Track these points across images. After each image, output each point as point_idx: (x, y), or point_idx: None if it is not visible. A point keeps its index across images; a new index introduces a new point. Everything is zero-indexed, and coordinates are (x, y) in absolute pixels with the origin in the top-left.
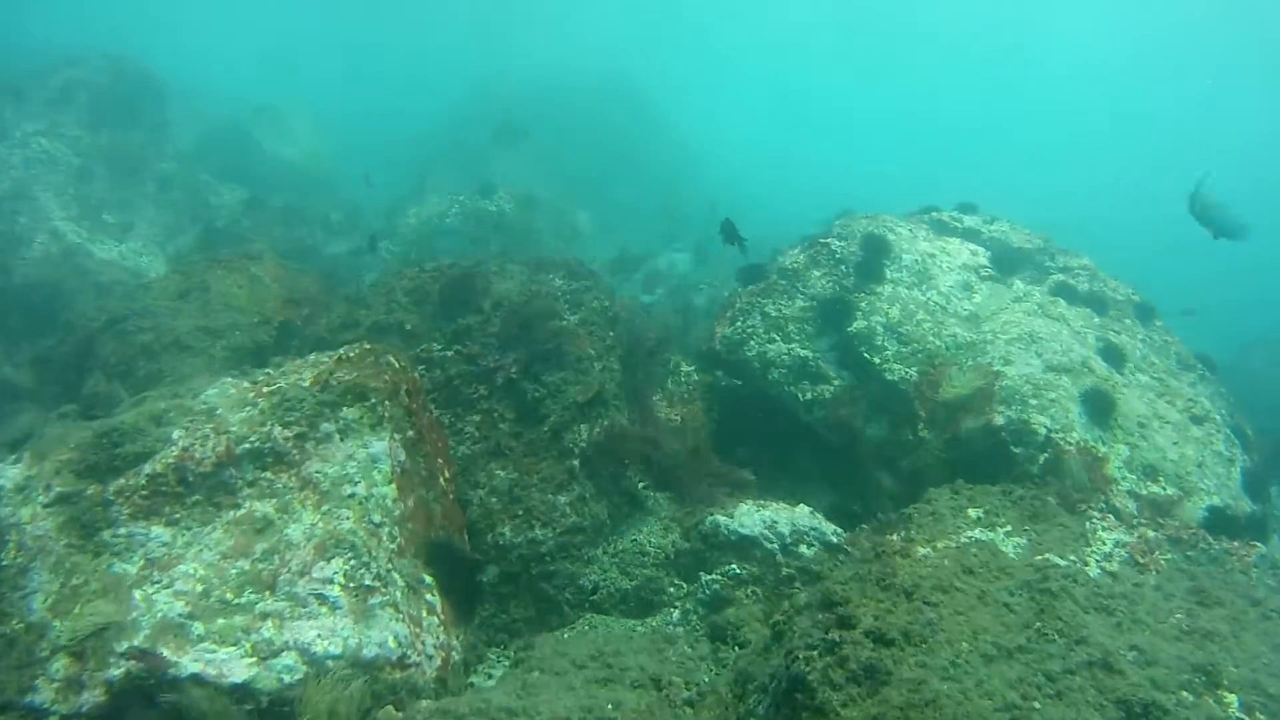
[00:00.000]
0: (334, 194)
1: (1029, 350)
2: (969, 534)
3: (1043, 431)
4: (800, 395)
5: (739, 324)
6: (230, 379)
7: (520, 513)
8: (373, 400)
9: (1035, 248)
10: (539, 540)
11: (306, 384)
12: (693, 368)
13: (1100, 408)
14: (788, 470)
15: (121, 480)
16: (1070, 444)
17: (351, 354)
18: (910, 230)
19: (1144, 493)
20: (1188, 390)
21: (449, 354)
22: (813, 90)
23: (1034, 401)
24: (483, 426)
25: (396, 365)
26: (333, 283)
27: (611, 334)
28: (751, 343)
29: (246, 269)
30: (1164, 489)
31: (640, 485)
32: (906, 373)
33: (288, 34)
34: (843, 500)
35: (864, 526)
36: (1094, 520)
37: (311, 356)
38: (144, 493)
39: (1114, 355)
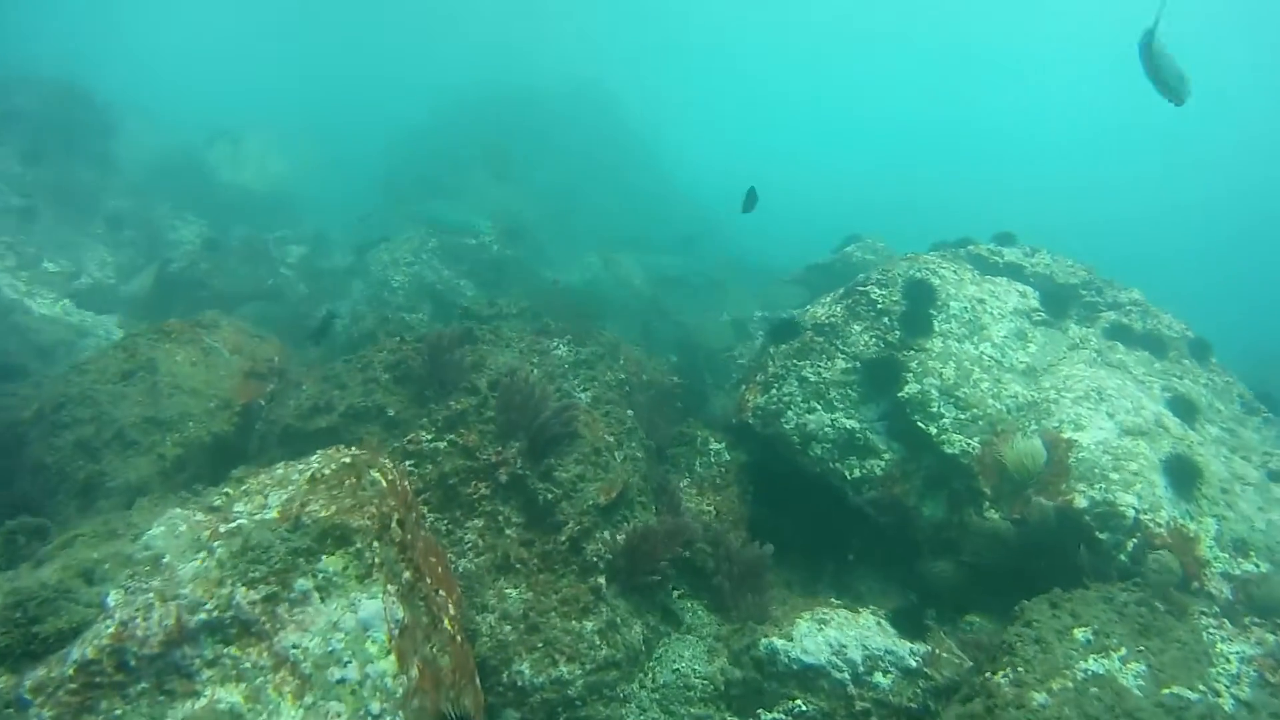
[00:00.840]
0: (299, 220)
1: (1099, 410)
2: (1083, 665)
3: (1130, 513)
4: (847, 473)
5: (773, 391)
6: (180, 511)
7: (540, 644)
8: (358, 544)
9: (1081, 281)
10: (565, 680)
11: (274, 516)
12: (722, 444)
13: (1185, 477)
14: (833, 557)
15: (42, 670)
16: (1160, 525)
17: (327, 471)
18: (955, 272)
19: (1237, 572)
20: (1257, 439)
21: (442, 445)
22: (793, 99)
23: (1115, 476)
24: (487, 534)
25: (384, 482)
26: (300, 335)
27: (630, 413)
28: (789, 413)
29: (200, 340)
30: (1256, 564)
31: (675, 594)
32: (968, 444)
33: (245, 51)
34: (896, 587)
35: (942, 635)
36: (1208, 629)
37: (279, 470)
38: (72, 686)
39: (1184, 407)
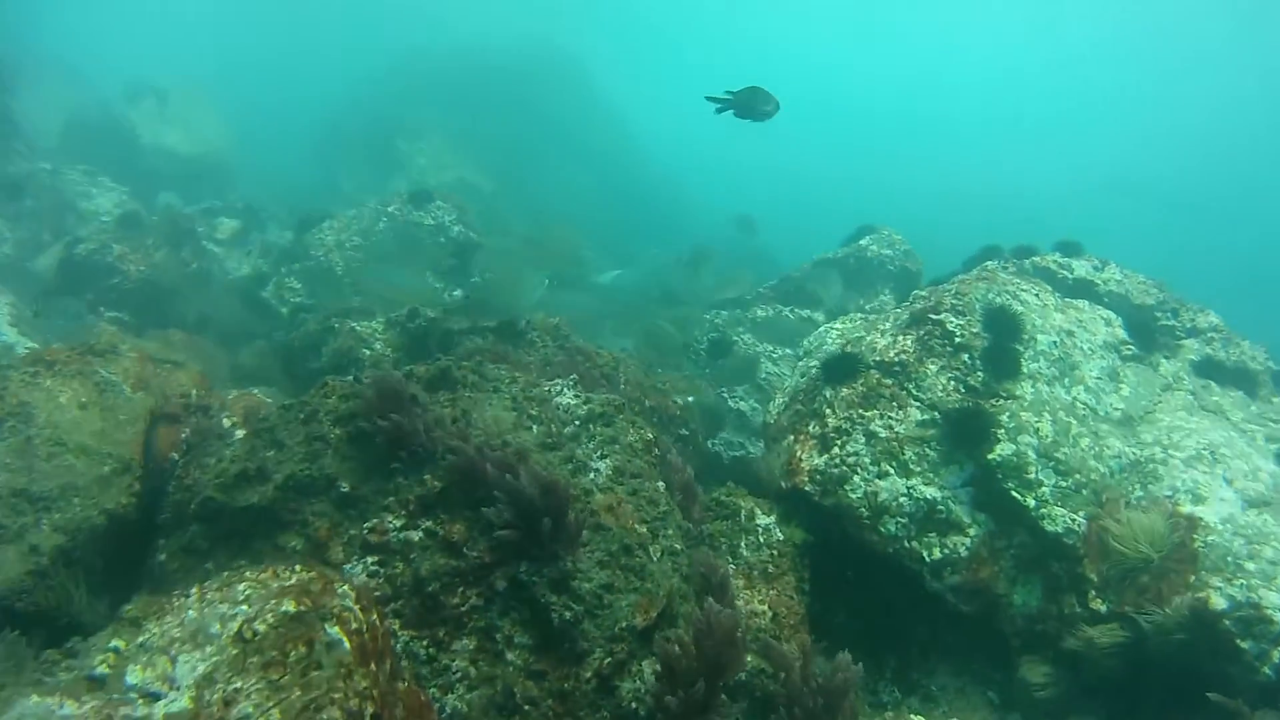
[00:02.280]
0: (232, 188)
1: (1214, 474)
2: None
3: (1278, 617)
4: (926, 554)
5: (835, 450)
6: (37, 702)
7: None
8: None
9: (1155, 302)
10: None
11: (184, 708)
12: (771, 518)
13: None
14: (895, 648)
15: None
16: None
17: (262, 626)
18: (1038, 296)
19: None
20: None
21: (416, 537)
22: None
23: (1252, 566)
24: (481, 660)
25: (348, 644)
26: (230, 331)
27: (662, 485)
28: (855, 479)
29: (93, 373)
30: None
31: None
32: (1072, 519)
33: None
34: (975, 685)
35: None
36: None
37: (192, 610)
38: None
39: None
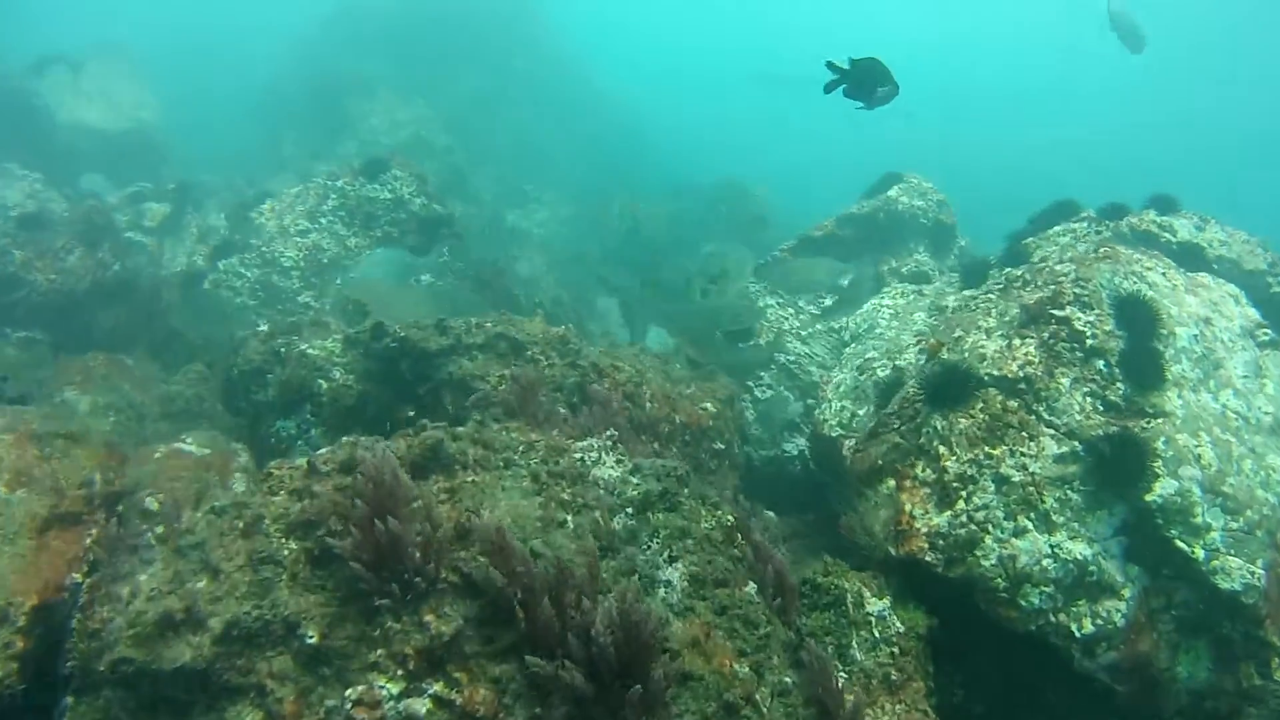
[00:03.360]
0: (164, 167)
1: None
2: None
3: None
4: (1076, 627)
5: (961, 505)
6: None
7: None
8: None
9: (1266, 266)
10: None
11: None
12: (885, 602)
13: None
14: None
15: None
16: None
17: None
18: (1164, 275)
19: None
20: None
21: (422, 709)
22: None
23: None
24: None
25: None
26: (158, 347)
27: (754, 589)
28: (987, 541)
29: None
30: None
31: None
32: (1250, 571)
33: None
34: None
35: None
36: None
37: None
38: None
39: None
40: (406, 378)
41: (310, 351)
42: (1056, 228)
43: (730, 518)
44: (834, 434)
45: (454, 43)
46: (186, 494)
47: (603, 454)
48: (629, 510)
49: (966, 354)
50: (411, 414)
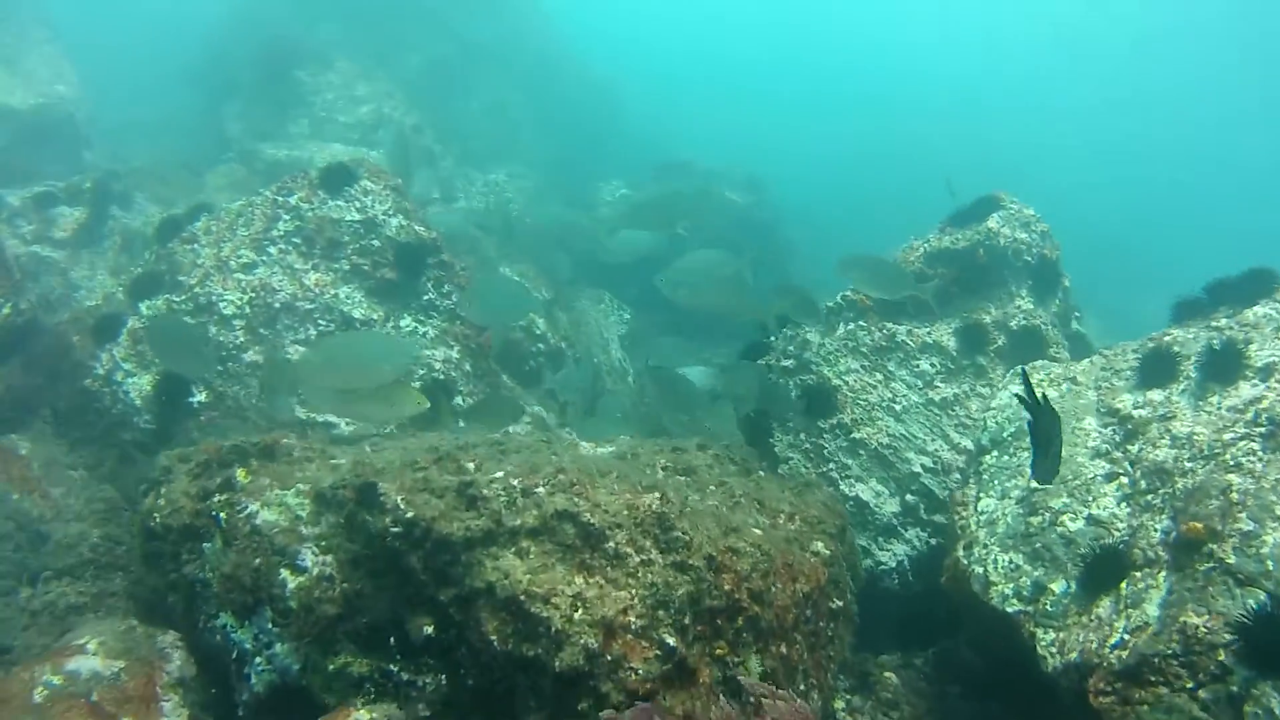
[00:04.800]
0: (85, 147)
1: None
2: None
3: None
4: None
5: None
6: None
7: None
8: None
9: None
10: None
11: None
12: None
13: None
14: None
15: None
16: None
17: None
18: None
19: None
20: None
21: None
22: None
23: None
24: None
25: None
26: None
27: None
28: None
29: None
30: None
31: None
32: None
33: None
34: None
35: None
36: None
37: None
38: None
39: None
40: (417, 572)
41: (265, 518)
42: (1257, 309)
43: None
44: (1008, 607)
45: (413, 8)
46: None
47: None
48: None
49: (1273, 565)
50: (429, 630)
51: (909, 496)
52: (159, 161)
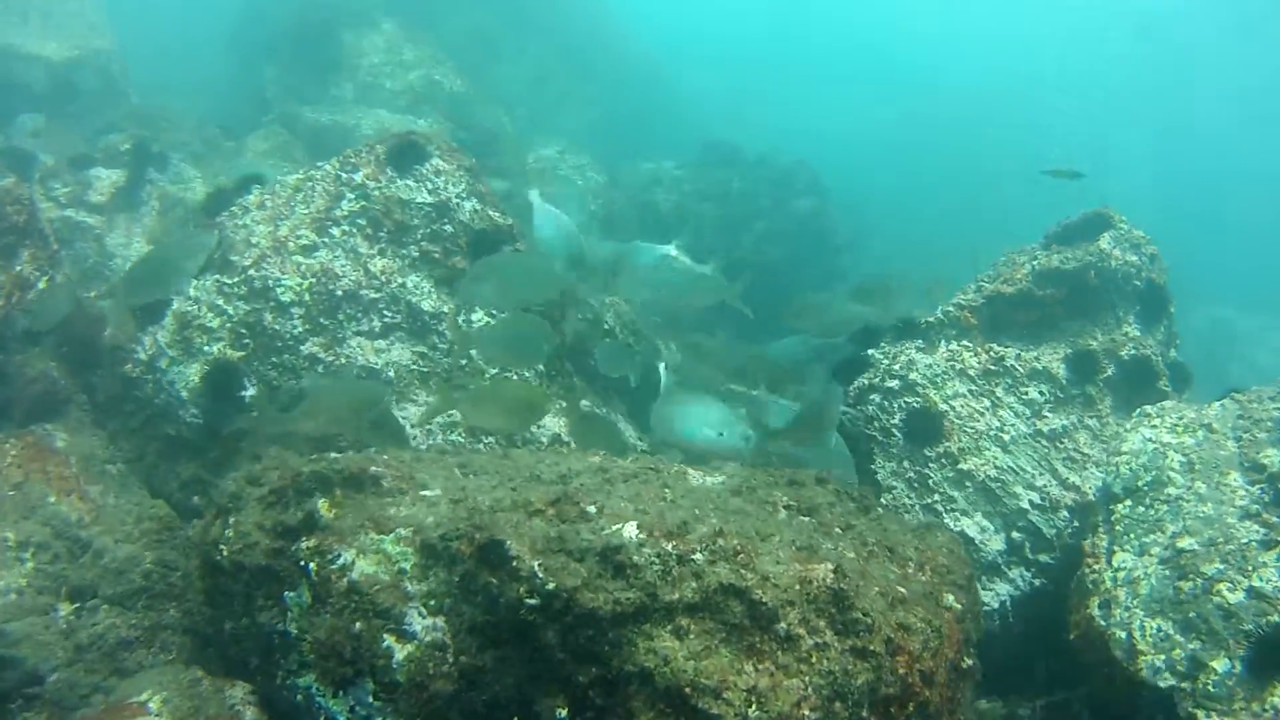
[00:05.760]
0: (121, 100)
1: None
2: None
3: None
4: None
5: None
6: None
7: None
8: None
9: None
10: None
11: None
12: None
13: None
14: None
15: None
16: None
17: None
18: None
19: None
20: None
21: None
22: None
23: None
24: None
25: None
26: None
27: None
28: None
29: None
30: None
31: None
32: None
33: None
34: None
35: None
36: None
37: None
38: None
39: None
40: (553, 648)
41: (362, 570)
42: None
43: None
44: (1161, 681)
45: None
46: None
47: None
48: None
49: None
50: (563, 714)
51: (1015, 534)
52: (196, 121)
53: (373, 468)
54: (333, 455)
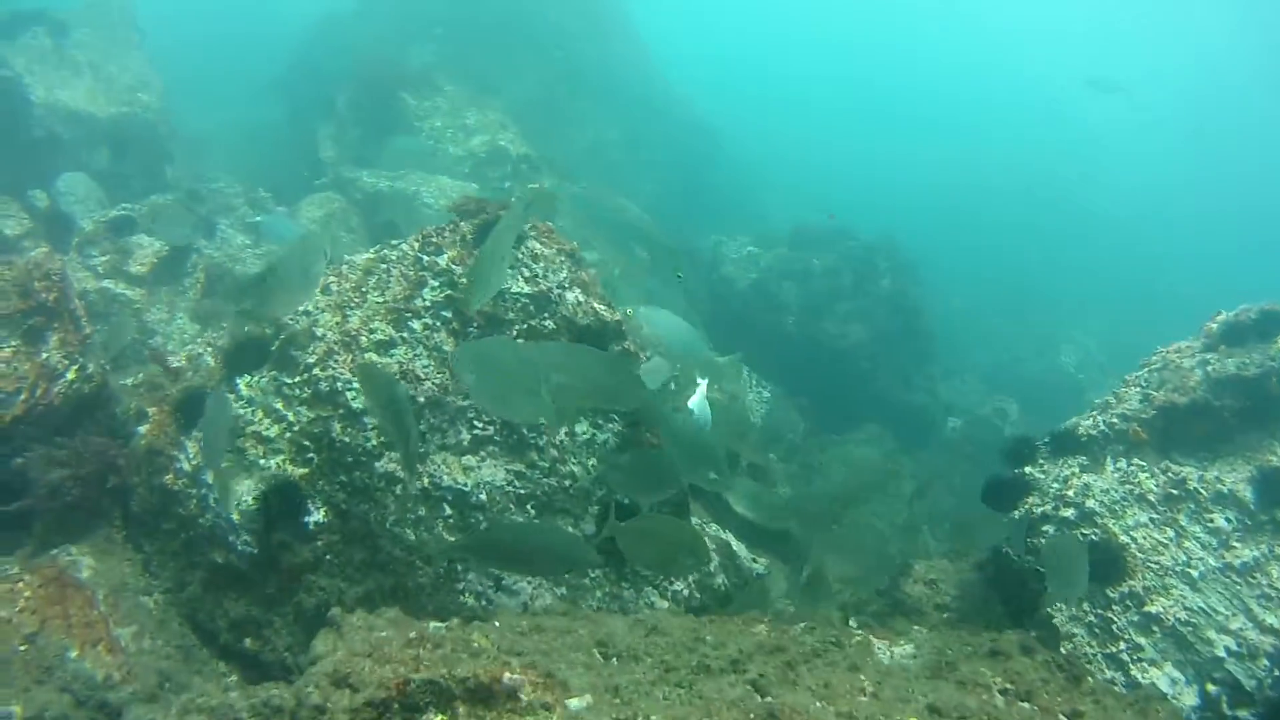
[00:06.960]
0: (166, 162)
1: None
2: None
3: None
4: None
5: None
6: None
7: None
8: None
9: None
10: None
11: None
12: None
13: None
14: None
15: None
16: None
17: None
18: None
19: None
20: None
21: None
22: None
23: None
24: None
25: None
26: (161, 568)
27: None
28: None
29: None
30: None
31: None
32: None
33: None
34: None
35: None
36: None
37: None
38: None
39: None
40: None
41: None
42: None
43: None
44: None
45: (518, 27)
46: None
47: None
48: None
49: None
50: None
51: (1210, 686)
52: (245, 183)
53: (507, 676)
54: (447, 646)
